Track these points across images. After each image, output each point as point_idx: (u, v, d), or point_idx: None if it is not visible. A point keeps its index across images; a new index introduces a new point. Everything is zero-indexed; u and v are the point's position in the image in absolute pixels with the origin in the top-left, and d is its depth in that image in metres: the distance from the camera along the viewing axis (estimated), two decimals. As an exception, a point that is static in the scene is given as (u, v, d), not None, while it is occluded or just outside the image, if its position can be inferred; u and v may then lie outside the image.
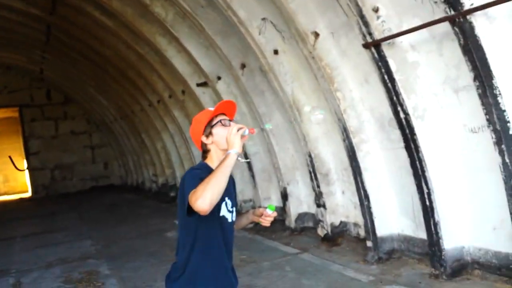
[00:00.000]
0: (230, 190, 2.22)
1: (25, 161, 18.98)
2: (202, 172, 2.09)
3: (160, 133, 12.31)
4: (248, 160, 1.78)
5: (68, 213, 12.76)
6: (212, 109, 2.26)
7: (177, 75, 9.10)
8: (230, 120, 2.24)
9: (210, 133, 2.23)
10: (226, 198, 2.19)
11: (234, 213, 2.27)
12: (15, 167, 19.19)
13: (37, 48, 13.53)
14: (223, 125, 2.20)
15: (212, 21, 7.04)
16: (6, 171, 20.94)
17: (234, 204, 2.29)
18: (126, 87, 12.08)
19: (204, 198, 1.85)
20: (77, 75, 14.61)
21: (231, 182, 2.27)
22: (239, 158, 2.08)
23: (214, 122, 2.22)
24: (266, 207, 2.32)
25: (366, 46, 4.38)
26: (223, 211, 2.19)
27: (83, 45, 11.51)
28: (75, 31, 10.90)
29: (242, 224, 2.46)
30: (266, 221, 2.31)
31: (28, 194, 19.18)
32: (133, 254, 6.92)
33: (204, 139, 2.25)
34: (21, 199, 18.31)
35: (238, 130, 2.04)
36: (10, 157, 19.40)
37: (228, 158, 1.97)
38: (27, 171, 19.01)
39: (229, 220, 2.22)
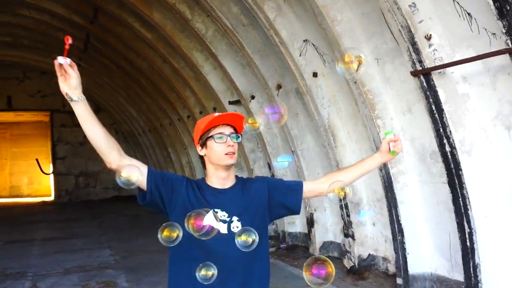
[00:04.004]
0: (229, 200, 2.04)
1: (51, 165, 19.23)
2: (175, 178, 2.08)
3: (186, 148, 12.29)
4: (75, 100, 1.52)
5: (89, 221, 12.77)
6: (217, 114, 2.08)
7: (210, 91, 9.10)
8: (232, 134, 2.05)
9: (205, 145, 2.08)
10: (216, 209, 1.99)
11: (240, 222, 2.01)
12: (41, 170, 19.47)
13: (73, 55, 13.66)
14: (219, 138, 2.03)
15: (252, 39, 7.03)
16: (31, 173, 21.27)
17: (246, 212, 2.04)
18: (157, 100, 12.16)
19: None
20: (110, 85, 14.84)
21: (240, 188, 2.09)
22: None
23: (211, 134, 2.06)
24: (385, 137, 2.12)
25: (414, 74, 4.23)
26: (209, 220, 1.92)
27: (118, 55, 11.70)
28: (112, 41, 11.09)
29: (364, 172, 2.19)
30: (398, 146, 2.10)
31: (51, 198, 19.36)
32: (152, 267, 6.78)
33: (198, 149, 2.12)
34: (44, 203, 18.49)
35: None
36: (37, 160, 19.72)
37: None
38: (52, 176, 19.23)
39: (224, 231, 1.97)
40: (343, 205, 6.17)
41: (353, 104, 5.71)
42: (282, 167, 7.39)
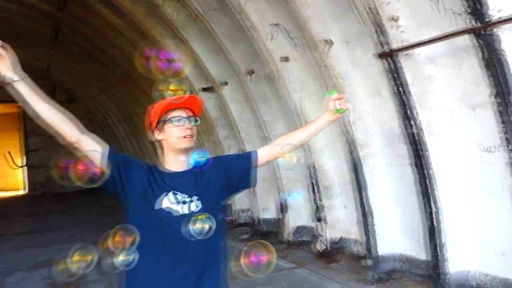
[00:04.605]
0: (187, 181, 2.03)
1: (23, 158, 18.77)
2: (135, 162, 2.06)
3: (161, 137, 12.15)
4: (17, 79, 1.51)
5: (63, 213, 12.54)
6: (179, 96, 2.05)
7: (182, 78, 8.97)
8: (190, 117, 2.04)
9: (162, 129, 2.06)
10: (176, 191, 1.99)
11: (201, 203, 2.01)
12: (13, 163, 18.99)
13: (44, 44, 13.44)
14: (177, 121, 2.02)
15: (224, 25, 6.94)
16: (2, 167, 20.73)
17: (205, 190, 2.04)
18: (131, 88, 11.96)
19: None
20: (82, 74, 14.52)
21: (192, 172, 2.07)
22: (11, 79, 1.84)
23: (169, 117, 2.04)
24: (329, 95, 2.14)
25: (381, 56, 4.25)
26: (165, 202, 1.96)
27: (90, 43, 11.43)
28: (83, 28, 10.82)
29: (315, 131, 2.22)
30: (344, 103, 2.13)
31: (24, 191, 18.93)
32: (124, 257, 6.70)
33: (156, 133, 2.09)
34: (17, 197, 18.07)
35: None
36: (9, 153, 19.22)
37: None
38: (24, 168, 18.79)
39: (181, 212, 1.97)
40: (315, 189, 6.20)
41: (324, 88, 5.71)
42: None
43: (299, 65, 5.99)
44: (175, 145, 2.03)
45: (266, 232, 7.79)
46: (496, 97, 3.35)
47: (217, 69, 7.94)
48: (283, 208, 7.06)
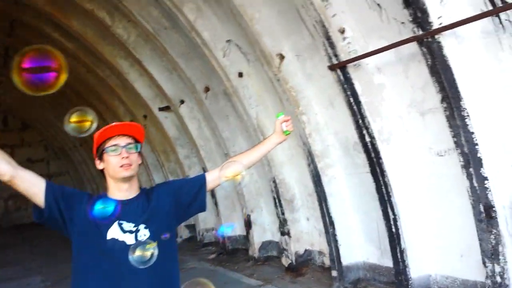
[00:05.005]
0: (134, 210, 1.97)
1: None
2: (75, 193, 2.01)
3: (120, 160, 11.85)
4: None
5: (20, 246, 11.96)
6: (117, 123, 2.02)
7: (139, 99, 8.82)
8: (129, 144, 1.98)
9: (102, 158, 2.00)
10: (121, 221, 1.93)
11: (148, 230, 1.95)
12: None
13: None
14: (113, 151, 1.96)
15: (176, 43, 6.87)
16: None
17: (153, 218, 1.98)
18: (86, 111, 11.63)
19: None
20: (36, 100, 14.02)
21: (144, 197, 2.03)
22: None
23: (106, 146, 1.98)
24: (276, 117, 2.19)
25: (331, 68, 4.29)
26: (110, 233, 1.90)
27: (41, 67, 11.07)
28: (32, 52, 10.47)
29: (263, 152, 2.24)
30: (290, 125, 2.18)
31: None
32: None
33: (97, 162, 2.04)
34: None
35: None
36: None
37: None
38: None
39: (128, 242, 1.89)
40: (278, 203, 6.16)
41: (279, 102, 5.72)
42: None
43: (254, 80, 5.99)
44: (114, 175, 1.98)
45: (232, 250, 7.67)
46: (442, 102, 3.43)
47: (173, 88, 7.85)
48: (247, 224, 6.98)
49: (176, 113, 8.04)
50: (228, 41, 5.96)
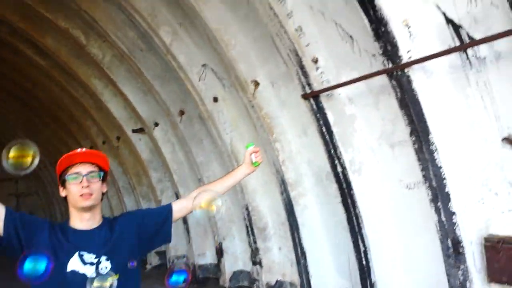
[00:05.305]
0: (96, 241, 1.90)
1: None
2: (35, 220, 1.94)
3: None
4: None
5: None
6: (80, 151, 1.98)
7: (112, 120, 8.68)
8: (91, 173, 1.93)
9: (64, 186, 1.95)
10: (82, 252, 1.86)
11: (109, 261, 1.89)
12: None
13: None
14: (73, 179, 1.91)
15: (151, 65, 6.82)
16: None
17: (115, 249, 1.92)
18: (58, 132, 11.42)
19: None
20: (6, 117, 13.70)
21: (107, 228, 1.95)
22: None
23: (69, 173, 1.92)
24: (245, 148, 2.21)
25: (305, 97, 4.28)
26: (71, 265, 1.84)
27: (13, 85, 10.87)
28: (6, 69, 10.28)
29: (233, 183, 2.22)
30: (259, 156, 2.19)
31: None
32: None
33: (60, 189, 1.98)
34: None
35: None
36: None
37: None
38: None
39: (89, 274, 1.83)
40: (250, 231, 6.05)
41: (253, 128, 5.68)
42: None
43: (229, 105, 5.95)
44: (75, 204, 1.92)
45: (203, 279, 7.47)
46: (411, 135, 3.43)
47: (147, 110, 7.75)
48: (219, 252, 6.82)
49: (150, 136, 7.92)
50: (203, 65, 5.93)
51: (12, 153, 1.90)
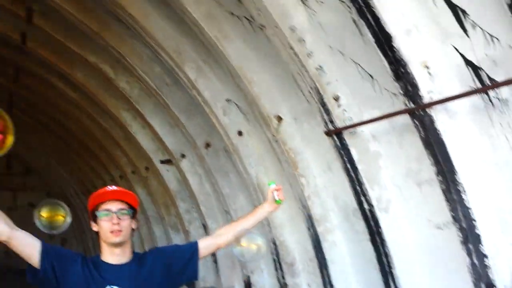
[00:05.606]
0: (126, 276, 2.00)
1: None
2: (70, 254, 2.07)
3: (122, 209, 11.78)
4: None
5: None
6: (111, 188, 2.06)
7: (140, 151, 8.86)
8: (122, 210, 2.01)
9: (96, 221, 2.07)
10: (113, 286, 1.98)
11: None
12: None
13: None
14: (104, 216, 2.01)
15: (177, 99, 6.97)
16: None
17: (145, 284, 2.03)
18: (89, 161, 11.71)
19: None
20: (39, 146, 14.19)
21: (136, 263, 2.05)
22: None
23: (99, 210, 2.03)
24: (269, 185, 2.26)
25: (328, 133, 4.27)
26: None
27: (46, 116, 11.30)
28: (38, 101, 10.72)
29: (256, 222, 2.27)
30: (281, 194, 2.24)
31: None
32: None
33: (92, 224, 2.11)
34: None
35: None
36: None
37: None
38: None
39: None
40: (278, 266, 5.99)
41: (278, 162, 5.67)
42: None
43: (253, 139, 5.98)
44: (105, 239, 2.05)
45: (231, 312, 7.42)
46: (438, 175, 3.35)
47: (174, 142, 7.89)
48: (247, 286, 6.77)
49: (177, 167, 8.03)
50: (227, 100, 6.01)
51: (44, 213, 2.04)
